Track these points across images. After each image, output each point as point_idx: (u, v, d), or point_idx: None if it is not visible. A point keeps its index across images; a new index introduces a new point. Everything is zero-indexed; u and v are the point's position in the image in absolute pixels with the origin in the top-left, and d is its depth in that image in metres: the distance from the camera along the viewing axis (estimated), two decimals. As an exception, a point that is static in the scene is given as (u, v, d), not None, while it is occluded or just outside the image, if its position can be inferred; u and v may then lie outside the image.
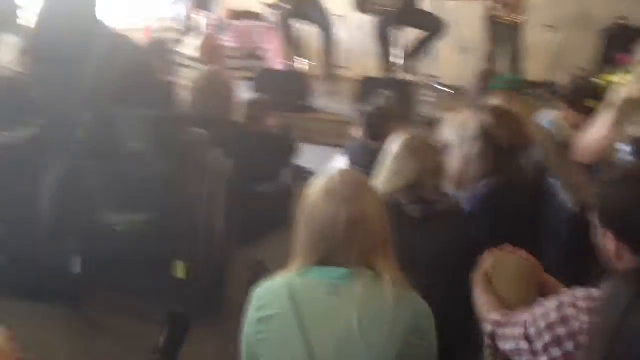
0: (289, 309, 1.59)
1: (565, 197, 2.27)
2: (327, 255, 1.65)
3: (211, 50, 4.47)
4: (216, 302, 2.52)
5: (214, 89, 2.99)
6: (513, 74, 5.40)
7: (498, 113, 2.75)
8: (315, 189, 1.71)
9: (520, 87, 4.09)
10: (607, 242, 1.55)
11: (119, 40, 3.10)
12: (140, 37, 6.54)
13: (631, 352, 0.92)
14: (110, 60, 2.80)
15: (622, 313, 0.93)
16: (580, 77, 3.94)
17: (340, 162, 3.78)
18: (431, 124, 4.60)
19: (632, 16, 6.36)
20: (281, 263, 1.71)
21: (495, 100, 3.26)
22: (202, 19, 6.26)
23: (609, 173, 1.85)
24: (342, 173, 1.75)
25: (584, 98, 3.56)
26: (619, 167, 2.02)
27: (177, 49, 6.28)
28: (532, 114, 3.71)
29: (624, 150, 2.14)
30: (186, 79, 3.18)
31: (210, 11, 6.41)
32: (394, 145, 2.39)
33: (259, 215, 2.79)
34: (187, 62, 4.73)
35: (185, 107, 3.04)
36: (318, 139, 5.02)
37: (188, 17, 6.36)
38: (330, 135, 4.88)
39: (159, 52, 4.31)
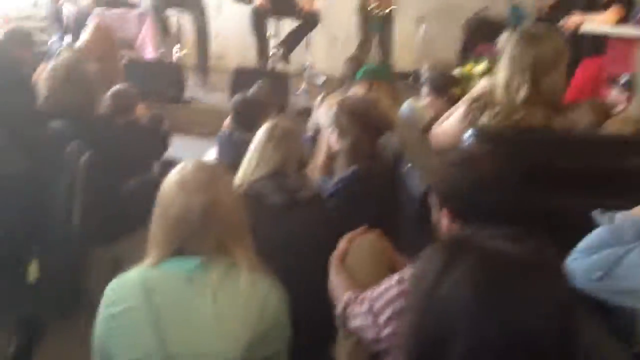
0: (142, 302, 1.58)
1: (417, 179, 2.40)
2: (181, 245, 1.66)
3: (100, 42, 4.27)
4: (73, 302, 2.43)
5: (73, 78, 2.86)
6: (381, 63, 5.59)
7: (359, 102, 2.85)
8: (168, 180, 1.70)
9: (387, 77, 4.23)
10: (442, 220, 1.68)
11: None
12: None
13: (440, 324, 1.00)
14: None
15: (430, 286, 1.01)
16: (442, 67, 4.12)
17: (211, 153, 3.77)
18: (304, 113, 4.70)
19: (494, 9, 6.77)
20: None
21: (359, 89, 3.38)
22: (68, 8, 5.96)
23: (447, 156, 1.98)
24: (195, 163, 1.75)
25: (446, 87, 3.77)
26: (455, 150, 2.16)
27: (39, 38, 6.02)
28: (398, 102, 3.86)
29: (469, 134, 2.29)
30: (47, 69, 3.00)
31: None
32: (259, 134, 2.41)
33: (123, 211, 2.71)
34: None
35: (43, 98, 2.89)
36: (192, 129, 4.97)
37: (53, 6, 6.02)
38: (205, 125, 4.82)
39: (18, 42, 4.09)
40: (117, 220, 2.69)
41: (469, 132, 2.27)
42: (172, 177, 1.70)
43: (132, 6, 6.68)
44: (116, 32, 6.46)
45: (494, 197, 1.63)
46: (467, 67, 4.45)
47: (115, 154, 2.97)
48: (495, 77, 2.42)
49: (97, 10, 6.39)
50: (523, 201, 1.69)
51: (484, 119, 2.36)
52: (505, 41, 2.42)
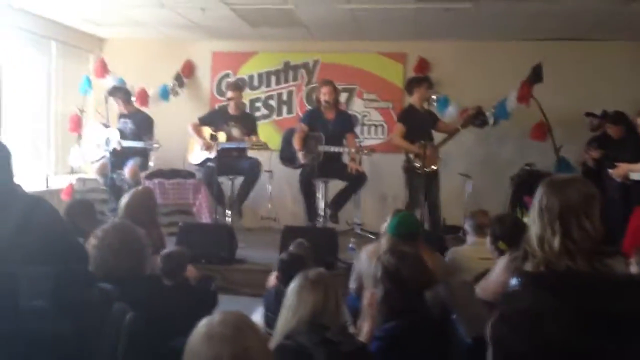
0: None
1: (463, 331, 2.32)
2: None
3: (139, 204, 4.50)
4: None
5: (122, 243, 2.99)
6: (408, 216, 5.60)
7: (401, 255, 2.85)
8: (196, 332, 1.70)
9: (416, 228, 4.17)
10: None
11: (34, 204, 3.09)
12: (60, 198, 6.66)
13: None
14: (24, 224, 2.80)
15: None
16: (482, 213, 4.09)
17: (259, 312, 3.77)
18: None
19: (541, 162, 6.88)
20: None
21: (401, 244, 3.38)
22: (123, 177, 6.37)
23: (502, 308, 1.90)
24: (222, 315, 1.76)
25: (485, 225, 3.75)
26: (511, 301, 2.08)
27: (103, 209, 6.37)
28: (435, 257, 3.82)
29: (514, 282, 2.23)
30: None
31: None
32: (294, 281, 2.43)
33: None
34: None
35: (93, 261, 3.00)
36: (241, 289, 5.01)
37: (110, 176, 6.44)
38: (254, 285, 4.86)
39: (80, 213, 4.32)
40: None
41: (515, 279, 2.21)
42: (200, 329, 1.70)
43: (188, 176, 7.11)
44: (174, 199, 6.88)
45: (556, 356, 1.55)
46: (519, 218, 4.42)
47: (162, 315, 3.01)
48: (530, 227, 2.39)
49: (155, 180, 6.83)
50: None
51: (527, 268, 2.31)
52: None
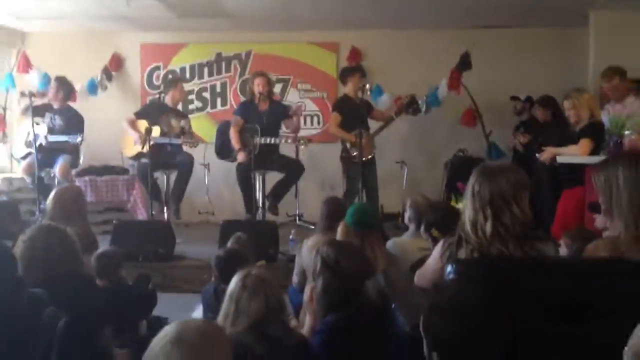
0: None
1: (402, 320, 2.35)
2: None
3: (67, 204, 4.33)
4: None
5: (50, 245, 2.88)
6: (367, 206, 5.66)
7: (339, 246, 2.85)
8: (162, 338, 1.67)
9: (375, 219, 4.22)
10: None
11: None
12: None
13: None
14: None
15: None
16: (423, 202, 4.14)
17: (199, 309, 3.72)
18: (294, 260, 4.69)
19: (473, 147, 7.06)
20: None
21: (343, 235, 3.40)
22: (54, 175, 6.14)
23: (434, 299, 1.94)
24: (189, 323, 1.74)
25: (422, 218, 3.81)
26: (442, 293, 2.12)
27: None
28: (384, 244, 3.86)
29: (449, 271, 2.27)
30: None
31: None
32: (232, 285, 2.39)
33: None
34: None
35: (23, 267, 2.88)
36: (182, 286, 4.93)
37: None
38: (194, 281, 4.80)
39: (4, 214, 4.15)
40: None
41: (448, 268, 2.25)
42: (168, 335, 1.66)
43: (121, 172, 6.92)
44: (107, 196, 6.70)
45: (486, 343, 1.59)
46: (453, 204, 4.52)
47: (97, 317, 2.92)
48: (463, 213, 2.45)
49: (86, 177, 6.62)
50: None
51: (461, 255, 2.36)
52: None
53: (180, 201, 6.32)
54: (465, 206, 2.46)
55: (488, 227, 2.34)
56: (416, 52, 7.51)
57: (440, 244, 2.60)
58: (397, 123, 6.56)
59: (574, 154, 4.64)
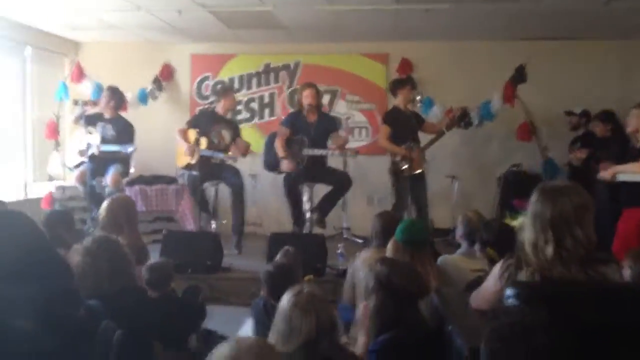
0: None
1: (460, 343, 2.26)
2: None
3: (119, 214, 4.39)
4: None
5: (105, 258, 2.89)
6: (412, 219, 5.55)
7: (392, 264, 2.78)
8: (219, 356, 1.63)
9: (423, 236, 4.14)
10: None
11: (9, 216, 2.99)
12: (39, 206, 6.52)
13: None
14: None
15: None
16: (476, 218, 4.03)
17: (249, 324, 3.68)
18: (344, 275, 4.63)
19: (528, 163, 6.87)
20: None
21: (393, 252, 3.32)
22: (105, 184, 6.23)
23: (494, 323, 1.86)
24: (247, 341, 1.70)
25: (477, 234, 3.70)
26: (504, 316, 2.03)
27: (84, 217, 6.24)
28: (434, 260, 3.77)
29: (509, 294, 2.17)
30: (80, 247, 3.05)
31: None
32: (284, 303, 2.35)
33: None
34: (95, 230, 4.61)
35: (79, 277, 2.91)
36: (229, 298, 4.92)
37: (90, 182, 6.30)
38: (242, 294, 4.78)
39: (58, 224, 4.21)
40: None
41: (508, 291, 2.16)
42: (223, 355, 1.63)
43: (170, 181, 6.99)
44: (157, 206, 6.77)
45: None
46: (509, 222, 4.39)
47: (149, 329, 2.92)
48: (523, 234, 2.36)
49: (136, 187, 6.70)
50: None
51: (521, 277, 2.27)
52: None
53: (241, 234, 6.28)
54: (525, 226, 2.37)
55: (549, 250, 2.25)
56: (468, 63, 7.39)
57: (498, 265, 2.50)
58: (448, 136, 6.44)
59: (636, 171, 4.48)
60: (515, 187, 6.24)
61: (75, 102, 6.55)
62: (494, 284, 2.45)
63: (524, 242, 2.33)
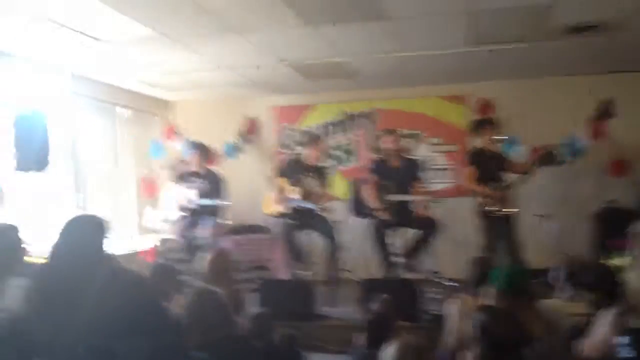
0: None
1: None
2: None
3: (219, 266, 4.58)
4: None
5: (210, 307, 3.04)
6: (512, 265, 5.43)
7: (492, 312, 2.77)
8: None
9: (526, 283, 4.02)
10: None
11: (119, 270, 3.20)
12: (144, 260, 6.84)
13: None
14: (109, 291, 2.88)
15: None
16: (579, 261, 3.93)
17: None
18: (437, 320, 4.59)
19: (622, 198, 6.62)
20: None
21: (492, 299, 3.29)
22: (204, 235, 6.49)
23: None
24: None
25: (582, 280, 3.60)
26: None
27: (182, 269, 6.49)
28: (536, 304, 3.69)
29: (622, 342, 2.14)
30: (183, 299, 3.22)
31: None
32: (388, 356, 2.38)
33: None
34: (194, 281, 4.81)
35: (185, 328, 3.06)
36: (325, 346, 4.97)
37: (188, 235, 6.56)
38: (337, 341, 4.82)
39: (163, 277, 4.43)
40: None
41: (623, 339, 2.13)
42: None
43: (264, 231, 7.19)
44: (251, 255, 6.97)
45: None
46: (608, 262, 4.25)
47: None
48: (631, 275, 2.31)
49: (232, 237, 6.93)
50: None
51: (635, 325, 2.22)
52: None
53: (337, 282, 6.37)
54: (632, 272, 2.33)
55: None
56: (548, 99, 7.30)
57: (605, 311, 2.46)
58: (537, 174, 6.32)
59: None
60: (610, 225, 6.01)
61: (172, 163, 6.98)
62: (604, 332, 2.40)
63: (633, 288, 2.28)
